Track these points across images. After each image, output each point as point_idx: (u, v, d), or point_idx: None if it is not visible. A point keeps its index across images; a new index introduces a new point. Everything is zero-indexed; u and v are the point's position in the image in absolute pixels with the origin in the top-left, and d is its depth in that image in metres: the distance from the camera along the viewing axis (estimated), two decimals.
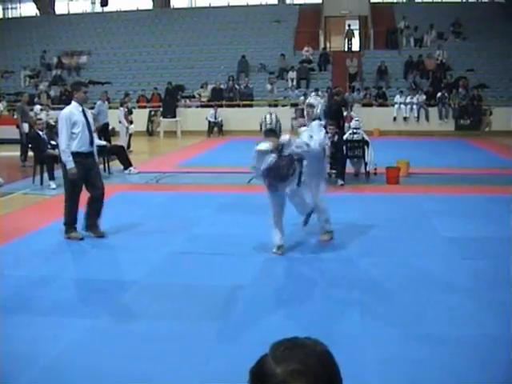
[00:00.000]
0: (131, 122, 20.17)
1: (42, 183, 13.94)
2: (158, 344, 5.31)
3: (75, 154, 8.75)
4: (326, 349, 1.57)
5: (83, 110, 9.00)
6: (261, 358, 1.57)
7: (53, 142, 14.49)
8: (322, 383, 1.48)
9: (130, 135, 20.07)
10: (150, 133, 27.41)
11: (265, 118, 7.74)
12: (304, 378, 1.46)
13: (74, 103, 9.01)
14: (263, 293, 6.74)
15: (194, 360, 5.03)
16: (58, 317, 6.10)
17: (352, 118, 16.20)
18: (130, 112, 20.57)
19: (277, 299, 6.58)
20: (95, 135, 15.58)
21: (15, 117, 21.88)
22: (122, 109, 19.89)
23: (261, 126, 7.98)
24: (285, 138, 7.70)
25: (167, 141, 25.50)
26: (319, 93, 25.11)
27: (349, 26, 34.07)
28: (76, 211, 9.03)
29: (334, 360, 1.56)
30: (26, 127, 18.02)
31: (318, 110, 8.72)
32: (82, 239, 8.92)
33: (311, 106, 8.71)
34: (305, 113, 8.92)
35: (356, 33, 34.64)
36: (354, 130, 14.45)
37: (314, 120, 8.63)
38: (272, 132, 7.55)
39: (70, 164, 8.71)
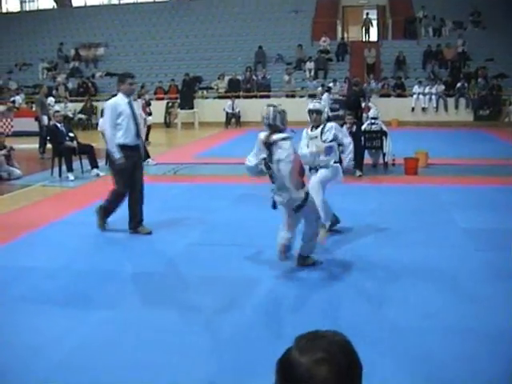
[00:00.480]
0: (150, 114, 20.18)
1: (60, 175, 13.99)
2: (174, 335, 5.30)
3: (121, 147, 8.59)
4: (345, 338, 1.70)
5: (130, 102, 8.79)
6: (286, 350, 1.70)
7: (71, 134, 14.56)
8: (343, 369, 1.61)
9: (149, 127, 20.09)
10: (168, 124, 27.44)
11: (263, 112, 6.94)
12: (327, 365, 1.59)
13: (119, 94, 8.84)
14: (280, 284, 6.72)
15: (209, 352, 5.02)
16: (75, 308, 6.12)
17: (370, 109, 16.13)
18: (148, 103, 20.58)
19: (293, 291, 6.55)
20: None
21: (33, 109, 22.00)
22: (139, 100, 19.88)
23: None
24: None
25: (185, 132, 25.52)
26: (330, 86, 25.02)
27: (367, 14, 33.84)
28: (133, 205, 8.93)
29: (353, 348, 1.69)
30: (45, 119, 18.07)
31: (326, 115, 8.59)
32: (103, 230, 8.98)
33: (318, 112, 8.42)
34: (310, 119, 8.55)
35: (374, 23, 34.45)
36: (372, 121, 14.38)
37: (321, 124, 8.45)
38: (270, 127, 6.73)
39: (116, 154, 8.56)
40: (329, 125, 8.41)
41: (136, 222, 8.93)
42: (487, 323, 5.54)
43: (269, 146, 6.62)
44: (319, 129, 8.41)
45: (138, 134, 8.80)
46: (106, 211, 8.99)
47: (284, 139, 6.61)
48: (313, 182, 8.27)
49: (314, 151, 8.35)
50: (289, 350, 1.69)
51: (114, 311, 6.09)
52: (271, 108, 6.72)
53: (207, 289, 6.57)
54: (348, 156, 8.82)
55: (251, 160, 6.96)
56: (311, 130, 8.53)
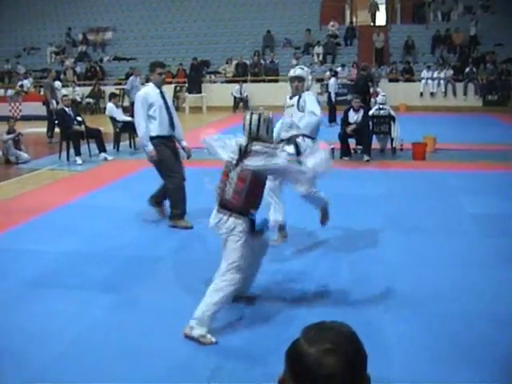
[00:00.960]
0: None
1: (68, 159, 14.04)
2: (180, 320, 5.33)
3: (156, 138, 8.35)
4: (351, 329, 1.76)
5: (161, 92, 8.51)
6: (294, 341, 1.75)
7: (79, 118, 14.58)
8: (350, 358, 1.67)
9: None
10: (176, 108, 27.22)
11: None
12: (335, 355, 1.65)
13: (150, 84, 8.62)
14: (289, 272, 6.73)
15: (215, 337, 5.04)
16: (84, 291, 6.16)
17: (378, 94, 16.10)
18: None
19: (301, 275, 6.56)
20: (120, 111, 15.71)
21: (41, 93, 22.00)
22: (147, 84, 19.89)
23: None
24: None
25: (193, 116, 25.48)
26: (337, 70, 25.00)
27: None
28: (180, 195, 8.56)
29: (359, 338, 1.75)
30: (54, 103, 18.09)
31: (309, 82, 7.77)
32: (191, 227, 8.42)
33: (299, 78, 7.59)
34: (290, 87, 7.77)
35: (381, 7, 34.20)
36: (381, 106, 14.34)
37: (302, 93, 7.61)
38: (251, 138, 5.32)
39: (148, 147, 8.30)
40: (306, 93, 7.60)
41: (158, 203, 8.82)
42: (497, 308, 5.56)
43: (245, 154, 5.26)
44: (296, 97, 7.61)
45: (172, 125, 8.53)
46: (181, 212, 8.59)
47: (267, 152, 5.20)
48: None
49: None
50: (296, 341, 1.74)
51: (122, 295, 6.14)
52: (255, 116, 5.36)
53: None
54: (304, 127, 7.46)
55: (220, 152, 5.64)
56: (290, 98, 7.78)
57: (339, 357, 1.65)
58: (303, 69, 7.87)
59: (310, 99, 7.53)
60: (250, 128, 5.31)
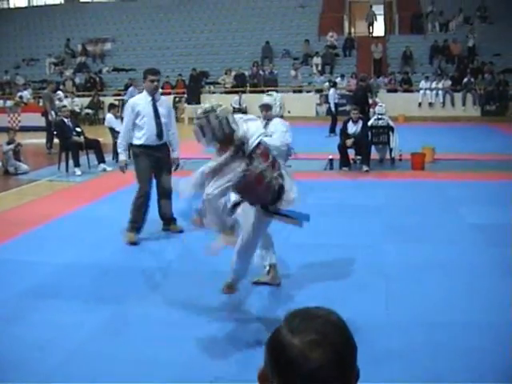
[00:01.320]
0: None
1: (67, 170, 14.03)
2: (180, 331, 5.31)
3: (139, 147, 8.27)
4: (339, 317, 1.59)
5: (153, 100, 8.32)
6: (275, 331, 1.58)
7: (78, 129, 14.60)
8: (338, 350, 1.50)
9: None
10: (175, 119, 27.33)
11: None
12: (322, 348, 1.48)
13: (144, 92, 8.45)
14: (288, 282, 6.71)
15: (214, 349, 5.03)
16: (83, 303, 6.15)
17: (377, 104, 16.12)
18: None
19: (301, 283, 6.55)
20: (119, 121, 15.72)
21: (40, 104, 22.02)
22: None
23: None
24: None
25: (192, 127, 25.50)
26: (336, 81, 25.10)
27: (370, 6, 33.38)
28: (141, 208, 8.29)
29: (348, 329, 1.57)
30: (53, 114, 18.10)
31: (278, 109, 7.45)
32: (134, 244, 8.16)
33: (267, 106, 7.32)
34: (261, 115, 7.34)
35: (379, 17, 34.30)
36: (379, 116, 14.36)
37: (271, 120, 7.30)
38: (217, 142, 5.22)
39: (121, 156, 8.39)
40: (275, 120, 7.29)
41: (166, 220, 8.68)
42: (497, 318, 5.54)
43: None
44: (267, 123, 7.22)
45: (160, 135, 8.32)
46: (131, 220, 8.33)
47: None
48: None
49: None
50: (278, 329, 1.57)
51: (123, 306, 6.12)
52: (211, 117, 5.10)
53: (217, 284, 6.54)
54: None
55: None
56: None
57: (326, 348, 1.48)
58: (272, 95, 7.68)
59: (279, 126, 7.20)
60: (215, 134, 5.13)
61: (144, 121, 8.23)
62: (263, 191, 5.25)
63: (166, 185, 8.01)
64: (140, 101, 8.38)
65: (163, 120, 8.37)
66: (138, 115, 8.22)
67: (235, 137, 5.11)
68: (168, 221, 8.66)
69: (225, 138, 5.10)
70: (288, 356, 1.49)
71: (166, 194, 8.24)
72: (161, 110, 8.39)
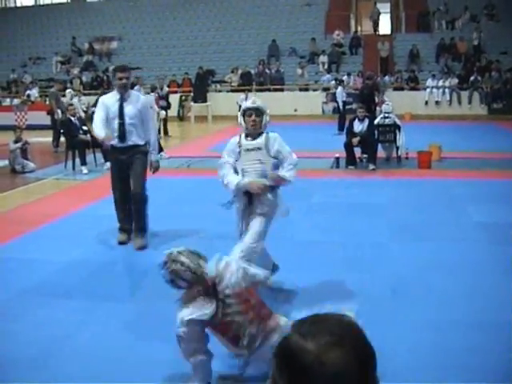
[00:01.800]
0: (166, 108, 20.24)
1: (74, 168, 14.06)
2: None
3: (111, 147, 7.96)
4: (351, 318, 1.48)
5: (121, 99, 7.87)
6: (283, 339, 1.45)
7: (84, 128, 14.61)
8: (358, 352, 1.39)
9: (165, 120, 20.12)
10: (181, 118, 27.43)
11: None
12: (339, 348, 1.36)
13: (114, 91, 8.15)
14: (288, 278, 6.69)
15: (214, 348, 5.01)
16: (88, 300, 6.18)
17: (384, 102, 16.10)
18: (162, 97, 20.64)
19: (306, 283, 6.53)
20: None
21: (47, 103, 22.06)
22: (152, 94, 19.95)
23: None
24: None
25: (198, 126, 25.54)
26: (343, 79, 25.05)
27: (374, 3, 33.21)
28: (119, 210, 8.18)
29: (364, 332, 1.46)
30: (59, 113, 18.15)
31: (268, 118, 6.04)
32: (122, 243, 8.08)
33: (258, 111, 5.95)
34: (243, 122, 5.98)
35: (386, 16, 34.22)
36: (386, 114, 14.33)
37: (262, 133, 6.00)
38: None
39: (99, 135, 7.83)
40: (273, 136, 5.99)
41: (129, 225, 8.21)
42: (502, 315, 5.54)
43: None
44: (262, 137, 5.95)
45: (122, 136, 7.85)
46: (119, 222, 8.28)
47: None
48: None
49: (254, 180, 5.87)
50: (287, 338, 1.44)
51: (128, 304, 6.15)
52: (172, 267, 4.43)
53: None
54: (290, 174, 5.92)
55: None
56: (246, 137, 6.02)
57: (344, 350, 1.36)
58: (259, 100, 6.19)
59: (281, 142, 5.98)
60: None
61: (110, 120, 7.88)
62: (230, 339, 4.46)
63: (133, 189, 7.89)
64: (108, 99, 8.03)
65: (129, 121, 7.85)
66: (107, 114, 7.89)
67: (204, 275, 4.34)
68: (132, 232, 8.16)
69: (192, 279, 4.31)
70: (302, 363, 1.36)
71: (133, 199, 8.00)
72: (128, 110, 7.89)
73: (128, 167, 7.93)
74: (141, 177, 7.99)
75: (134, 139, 7.90)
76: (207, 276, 4.31)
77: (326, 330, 1.40)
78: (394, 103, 16.34)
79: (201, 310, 4.24)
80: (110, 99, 8.00)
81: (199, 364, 4.34)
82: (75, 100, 20.53)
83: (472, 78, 26.27)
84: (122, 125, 7.83)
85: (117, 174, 8.08)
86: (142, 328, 5.52)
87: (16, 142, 14.28)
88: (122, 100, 7.89)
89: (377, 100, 17.37)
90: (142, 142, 7.97)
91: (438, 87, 26.69)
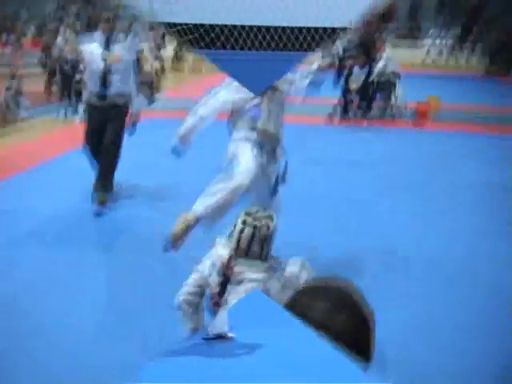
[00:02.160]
0: None
1: (68, 108, 13.85)
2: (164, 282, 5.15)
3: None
4: (354, 285, 1.44)
5: (107, 41, 7.26)
6: (293, 297, 1.43)
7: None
8: (364, 315, 1.37)
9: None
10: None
11: None
12: (348, 310, 1.36)
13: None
14: (287, 245, 6.53)
15: None
16: (81, 248, 6.08)
17: (385, 48, 15.83)
18: None
19: (297, 245, 6.38)
20: None
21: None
22: None
23: None
24: None
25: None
26: None
27: None
28: (97, 168, 7.47)
29: (360, 292, 1.42)
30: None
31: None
32: (100, 202, 7.31)
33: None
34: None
35: None
36: (385, 62, 14.12)
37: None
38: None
39: None
40: None
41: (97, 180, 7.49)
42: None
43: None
44: None
45: (104, 84, 7.26)
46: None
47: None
48: None
49: None
50: (296, 296, 1.42)
51: (109, 255, 6.08)
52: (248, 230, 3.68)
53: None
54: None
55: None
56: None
57: (352, 312, 1.36)
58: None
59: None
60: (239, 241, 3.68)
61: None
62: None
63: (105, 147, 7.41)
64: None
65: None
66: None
67: None
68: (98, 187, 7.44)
69: None
70: (311, 319, 1.32)
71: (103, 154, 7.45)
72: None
73: (102, 122, 7.44)
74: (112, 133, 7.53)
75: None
76: None
77: (334, 291, 1.40)
78: (394, 52, 16.11)
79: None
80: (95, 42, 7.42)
81: None
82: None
83: (475, 30, 26.00)
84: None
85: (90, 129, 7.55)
86: (136, 283, 5.36)
87: (12, 78, 14.06)
88: (109, 43, 7.35)
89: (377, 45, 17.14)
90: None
91: (440, 37, 26.50)
